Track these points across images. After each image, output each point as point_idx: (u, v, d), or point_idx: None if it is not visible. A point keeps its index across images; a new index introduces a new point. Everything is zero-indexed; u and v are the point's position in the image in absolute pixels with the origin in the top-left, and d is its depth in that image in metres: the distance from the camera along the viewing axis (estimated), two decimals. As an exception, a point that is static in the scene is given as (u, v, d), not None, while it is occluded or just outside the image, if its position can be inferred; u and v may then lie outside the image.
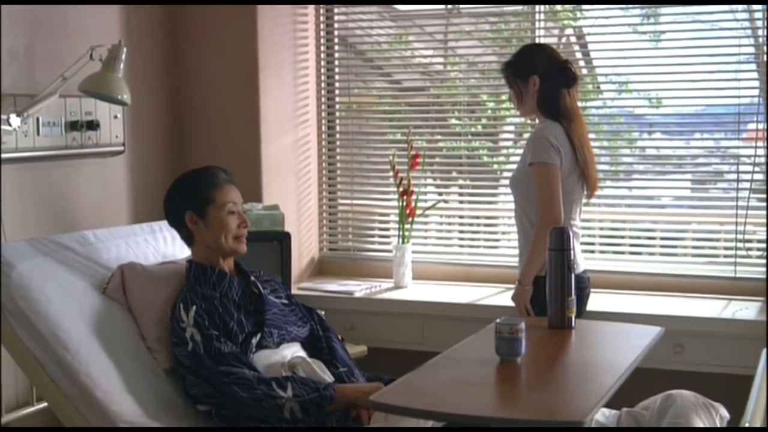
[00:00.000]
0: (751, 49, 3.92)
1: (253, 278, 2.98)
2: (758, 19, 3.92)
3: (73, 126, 3.49)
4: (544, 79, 3.31)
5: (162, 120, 4.12)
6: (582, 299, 3.25)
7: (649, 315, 3.50)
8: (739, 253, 3.84)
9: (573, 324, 2.78)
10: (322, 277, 4.43)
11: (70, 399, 2.69)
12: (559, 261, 2.78)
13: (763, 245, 3.81)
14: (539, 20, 4.14)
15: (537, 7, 4.10)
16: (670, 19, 4.07)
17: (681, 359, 3.50)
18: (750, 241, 3.84)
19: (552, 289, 2.79)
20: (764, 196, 3.77)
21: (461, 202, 4.44)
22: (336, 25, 4.44)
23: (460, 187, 4.44)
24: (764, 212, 3.75)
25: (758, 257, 3.82)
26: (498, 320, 2.42)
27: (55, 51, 3.45)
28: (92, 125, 3.55)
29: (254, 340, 2.80)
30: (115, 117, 3.69)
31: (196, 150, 4.16)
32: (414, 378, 2.31)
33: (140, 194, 3.94)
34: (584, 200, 3.44)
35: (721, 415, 2.64)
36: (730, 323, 3.50)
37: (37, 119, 3.34)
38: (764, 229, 3.77)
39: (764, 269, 3.78)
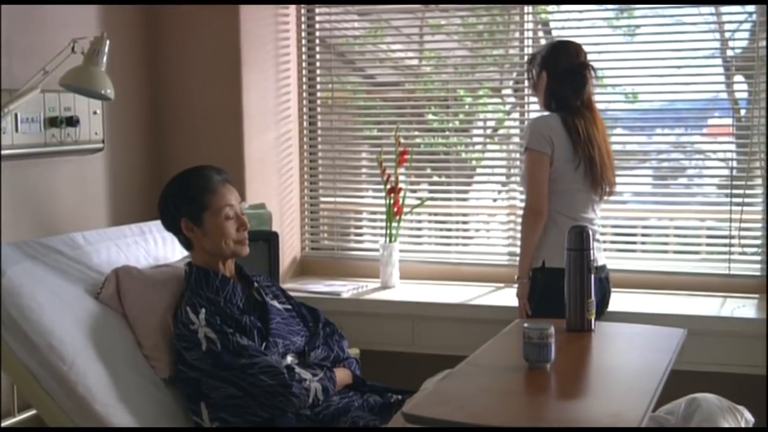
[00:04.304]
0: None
1: (256, 285, 2.84)
2: (724, 14, 3.90)
3: (52, 122, 3.32)
4: (553, 78, 3.31)
5: (142, 116, 3.96)
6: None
7: (652, 314, 3.45)
8: (733, 249, 3.80)
9: (593, 326, 2.70)
10: (305, 277, 4.30)
11: (66, 413, 2.55)
12: (578, 261, 2.69)
13: (757, 242, 3.78)
14: (527, 13, 4.07)
15: (525, 7, 4.04)
16: (642, 13, 4.03)
17: (680, 358, 3.42)
18: (744, 237, 3.80)
19: (571, 290, 2.70)
20: (761, 191, 3.74)
21: (445, 199, 4.32)
22: (317, 18, 4.30)
23: (446, 183, 4.32)
24: (759, 208, 3.73)
25: (753, 254, 3.79)
26: (526, 324, 2.33)
27: (33, 44, 3.28)
28: (72, 121, 3.38)
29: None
30: (95, 113, 3.52)
31: (177, 147, 4.00)
32: (445, 387, 2.21)
33: (120, 193, 3.78)
34: (596, 198, 3.35)
35: (746, 418, 2.58)
36: (729, 321, 3.46)
37: (16, 115, 3.16)
38: (759, 225, 3.75)
39: (758, 266, 3.77)
